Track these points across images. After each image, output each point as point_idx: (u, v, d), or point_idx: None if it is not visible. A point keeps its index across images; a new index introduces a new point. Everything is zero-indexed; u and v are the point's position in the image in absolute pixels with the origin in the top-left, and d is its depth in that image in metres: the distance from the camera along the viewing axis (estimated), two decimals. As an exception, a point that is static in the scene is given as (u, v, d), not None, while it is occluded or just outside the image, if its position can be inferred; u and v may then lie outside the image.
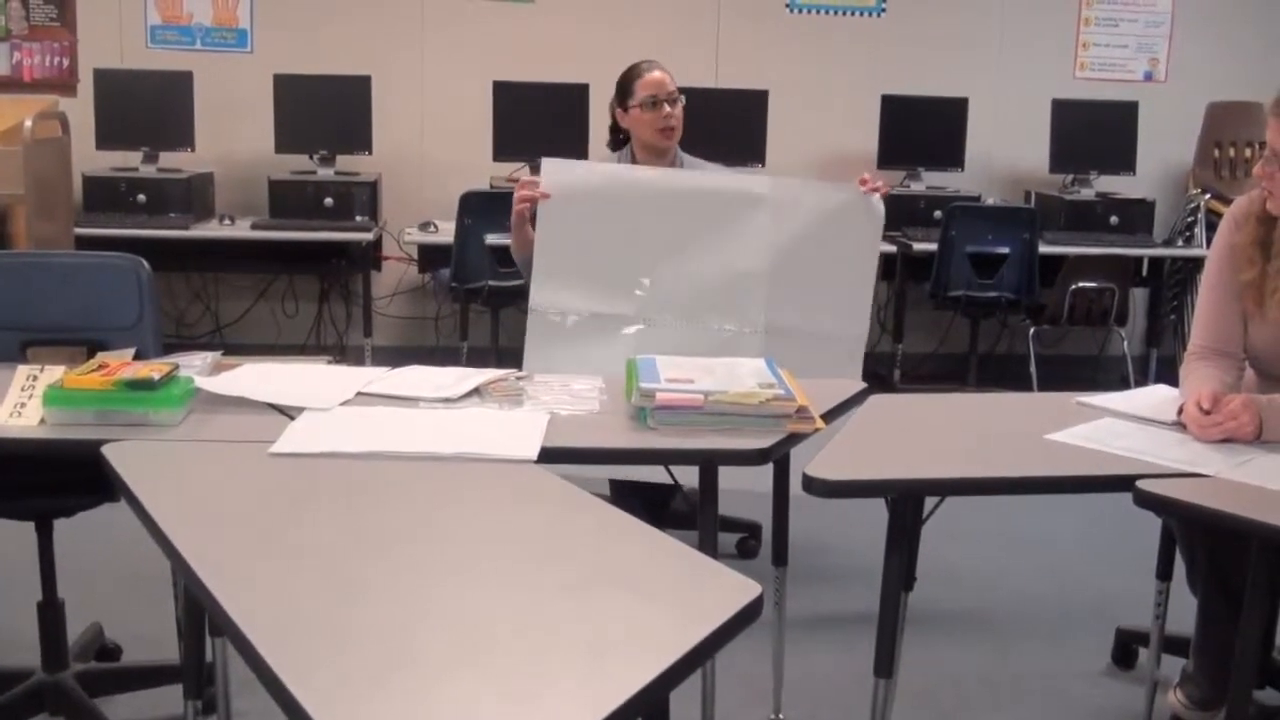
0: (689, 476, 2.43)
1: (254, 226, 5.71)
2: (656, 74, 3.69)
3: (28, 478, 2.63)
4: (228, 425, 2.34)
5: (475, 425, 2.33)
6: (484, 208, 5.31)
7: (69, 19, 6.04)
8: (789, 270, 3.41)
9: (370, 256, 5.93)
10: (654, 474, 3.12)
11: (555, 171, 3.43)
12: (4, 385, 2.45)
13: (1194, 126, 6.40)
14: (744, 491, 2.90)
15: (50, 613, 2.81)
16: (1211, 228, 5.33)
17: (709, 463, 2.32)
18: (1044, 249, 5.77)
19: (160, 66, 5.97)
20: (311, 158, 5.96)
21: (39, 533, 2.77)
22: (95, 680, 2.87)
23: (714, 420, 2.33)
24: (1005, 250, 5.73)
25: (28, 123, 4.62)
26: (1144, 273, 6.30)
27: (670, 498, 3.66)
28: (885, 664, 2.36)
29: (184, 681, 2.29)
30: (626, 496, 3.50)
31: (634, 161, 3.74)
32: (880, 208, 3.44)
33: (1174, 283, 6.44)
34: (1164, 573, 2.96)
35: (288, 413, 2.39)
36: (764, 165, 5.99)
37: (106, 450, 2.15)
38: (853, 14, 6.50)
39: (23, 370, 2.52)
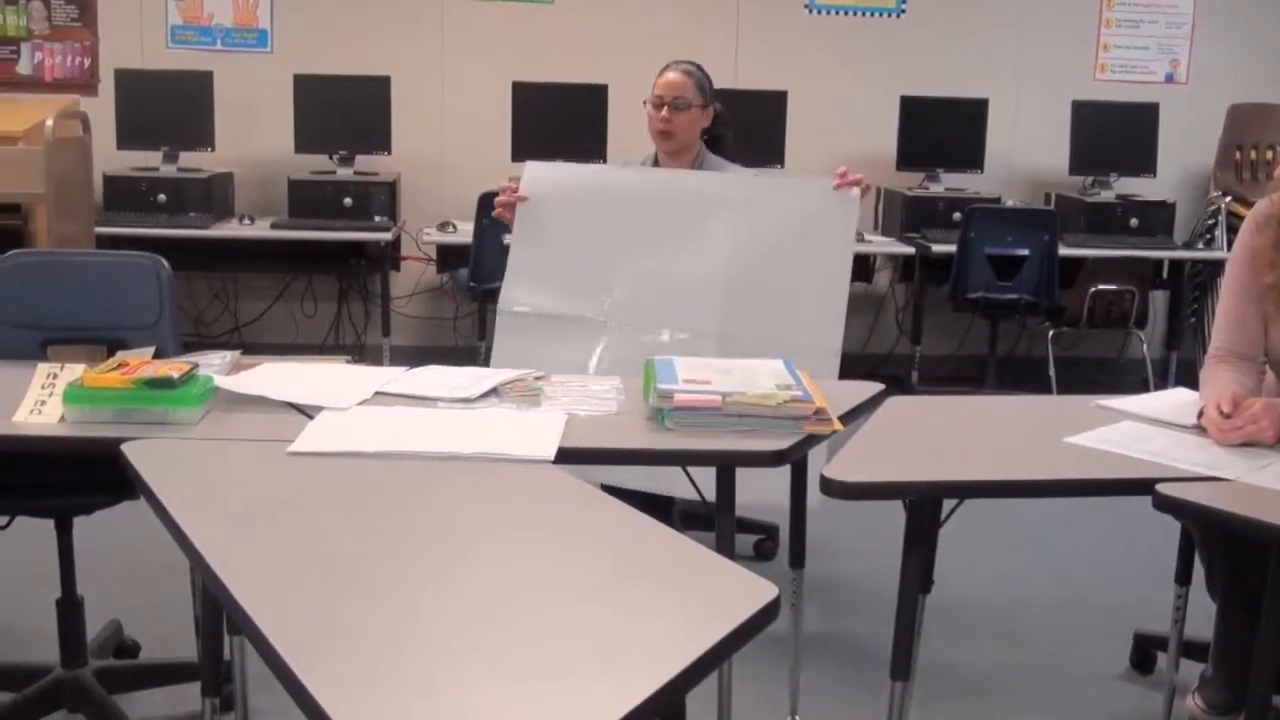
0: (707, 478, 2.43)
1: (273, 226, 5.73)
2: (670, 75, 3.69)
3: (47, 475, 2.65)
4: (246, 424, 2.35)
5: (493, 425, 2.34)
6: (502, 208, 5.32)
7: (90, 19, 6.06)
8: (750, 274, 3.33)
9: (389, 256, 5.95)
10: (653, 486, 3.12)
11: (536, 174, 3.45)
12: (24, 383, 2.46)
13: (1215, 128, 6.37)
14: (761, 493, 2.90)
15: (69, 609, 2.83)
16: (1232, 230, 5.33)
17: (726, 464, 2.32)
18: (1064, 251, 5.74)
19: (181, 66, 5.99)
20: (331, 158, 5.97)
21: (58, 530, 2.78)
22: (114, 677, 2.88)
23: (732, 422, 2.33)
24: (1025, 252, 5.70)
25: (49, 122, 4.64)
26: (1164, 275, 6.27)
27: (668, 509, 3.63)
28: (902, 667, 2.35)
29: (202, 679, 2.30)
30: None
31: (657, 159, 3.74)
32: (855, 204, 3.29)
33: (1194, 286, 6.41)
34: (1183, 577, 2.95)
35: (306, 412, 2.40)
36: (783, 166, 6.00)
37: (126, 448, 2.16)
38: (872, 15, 6.48)
39: (43, 368, 2.53)
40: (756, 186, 3.48)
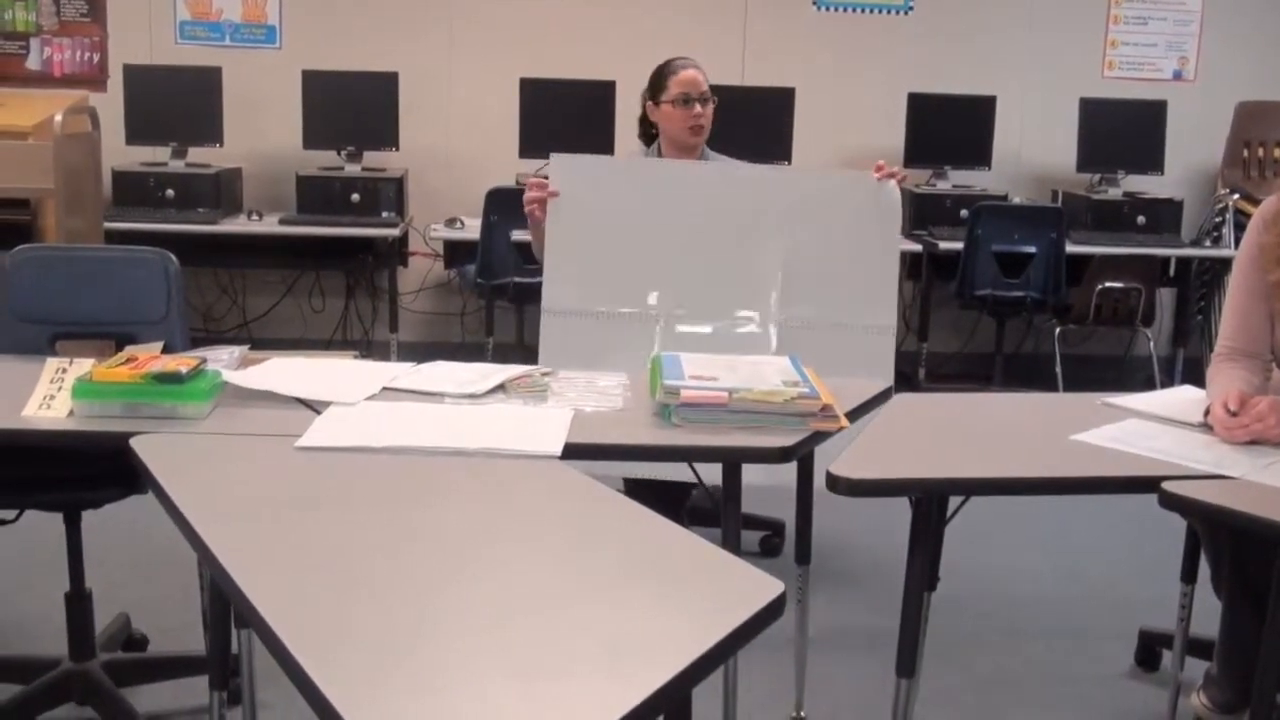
0: (713, 474, 2.43)
1: (281, 222, 5.74)
2: (690, 72, 3.69)
3: (56, 469, 2.65)
4: (254, 419, 2.35)
5: (500, 421, 2.34)
6: (510, 204, 5.28)
7: (99, 14, 6.07)
8: (804, 262, 3.36)
9: (397, 252, 5.95)
10: (671, 474, 3.11)
11: (563, 168, 3.39)
12: (33, 378, 2.47)
13: (1223, 126, 6.36)
14: (768, 489, 2.90)
15: (78, 603, 2.83)
16: (1240, 228, 5.32)
17: (732, 460, 2.33)
18: (1071, 248, 5.74)
19: (189, 62, 6.00)
20: (339, 154, 5.98)
21: (67, 524, 2.79)
22: (122, 670, 2.89)
23: (738, 418, 2.33)
24: (1032, 249, 5.70)
25: (58, 118, 4.65)
26: (1171, 273, 6.26)
27: (685, 497, 3.64)
28: (907, 664, 2.36)
29: (210, 672, 2.30)
30: (641, 495, 3.49)
31: (660, 157, 3.74)
32: (896, 194, 3.39)
33: (1201, 283, 6.39)
34: (1189, 575, 2.95)
35: (314, 407, 2.40)
36: (790, 163, 5.98)
37: (134, 443, 2.16)
38: (880, 11, 6.48)
39: (52, 363, 2.54)
40: (803, 181, 3.50)
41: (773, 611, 1.57)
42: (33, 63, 6.08)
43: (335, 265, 6.19)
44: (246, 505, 1.94)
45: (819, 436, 2.35)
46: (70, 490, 2.68)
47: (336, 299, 6.38)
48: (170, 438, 2.21)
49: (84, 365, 2.48)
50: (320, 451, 2.16)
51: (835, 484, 2.13)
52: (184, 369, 2.36)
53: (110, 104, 5.73)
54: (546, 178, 3.38)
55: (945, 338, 6.50)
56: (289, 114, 5.90)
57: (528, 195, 3.41)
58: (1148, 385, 5.03)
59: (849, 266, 3.38)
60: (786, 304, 3.36)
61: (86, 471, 2.64)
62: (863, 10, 6.47)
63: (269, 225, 5.73)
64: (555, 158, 3.42)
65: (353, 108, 5.96)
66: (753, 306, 3.37)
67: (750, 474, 2.37)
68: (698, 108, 3.64)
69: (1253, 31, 6.56)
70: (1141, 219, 6.09)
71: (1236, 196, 6.13)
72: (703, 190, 3.45)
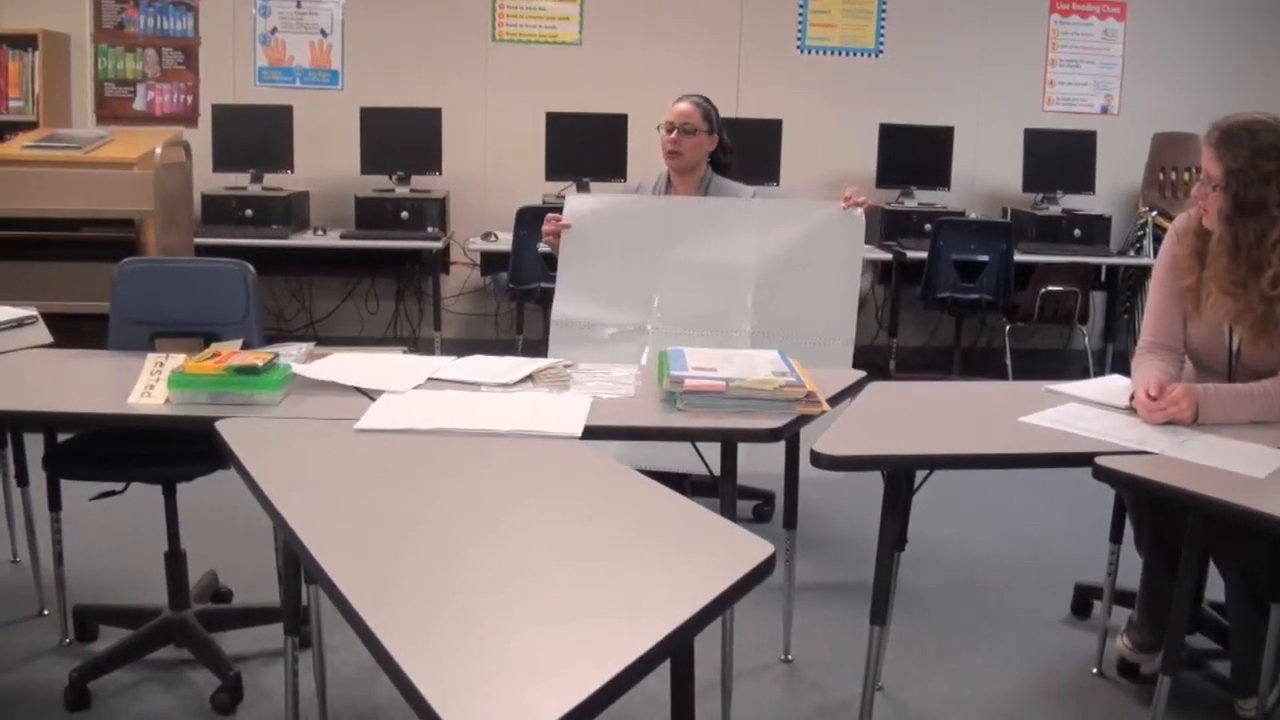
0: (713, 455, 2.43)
1: (342, 236, 5.73)
2: (680, 105, 3.68)
3: (155, 448, 2.66)
4: (319, 405, 2.35)
5: (528, 407, 2.34)
6: (537, 221, 5.23)
7: (192, 63, 6.09)
8: (776, 280, 3.36)
9: (440, 262, 5.94)
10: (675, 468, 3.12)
11: (576, 204, 3.48)
12: (136, 370, 2.49)
13: (1142, 153, 6.32)
14: (760, 464, 2.89)
15: (175, 561, 2.85)
16: (1158, 240, 5.29)
17: (729, 440, 2.32)
18: (1018, 257, 5.71)
19: (266, 102, 6.00)
20: (390, 178, 5.97)
21: (165, 494, 2.80)
22: (211, 618, 2.90)
23: (734, 403, 2.33)
24: (985, 258, 5.68)
25: (157, 150, 4.67)
26: (1102, 278, 6.24)
27: (681, 487, 3.63)
28: (880, 612, 2.36)
29: (284, 620, 2.31)
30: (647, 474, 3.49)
31: (670, 178, 3.72)
32: (861, 220, 3.37)
33: (1127, 287, 6.37)
34: (1116, 536, 2.94)
35: (370, 395, 2.41)
36: (779, 184, 5.97)
37: (219, 425, 2.17)
38: (855, 54, 6.45)
39: (151, 358, 2.56)
40: (777, 210, 3.50)
41: (764, 569, 1.57)
42: (138, 104, 6.10)
43: (388, 273, 6.18)
44: (313, 478, 1.94)
45: (804, 419, 2.34)
46: (167, 466, 2.69)
47: (388, 302, 6.38)
48: (249, 421, 2.22)
49: (177, 359, 2.48)
50: (375, 433, 2.17)
51: (818, 460, 2.13)
52: (260, 362, 2.36)
53: (200, 138, 5.73)
54: (563, 203, 3.44)
55: (912, 334, 6.48)
56: (349, 144, 5.89)
57: (545, 228, 3.51)
58: (1083, 374, 5.00)
59: (814, 284, 3.37)
60: (760, 315, 3.35)
61: (180, 450, 2.65)
62: (840, 53, 6.45)
63: (332, 239, 5.73)
64: (570, 197, 3.52)
65: (402, 138, 5.95)
66: (731, 317, 3.37)
67: (744, 451, 2.37)
68: (674, 135, 3.64)
69: (1166, 75, 6.52)
70: (1077, 232, 6.06)
71: (1154, 213, 6.10)
72: (689, 220, 3.48)
